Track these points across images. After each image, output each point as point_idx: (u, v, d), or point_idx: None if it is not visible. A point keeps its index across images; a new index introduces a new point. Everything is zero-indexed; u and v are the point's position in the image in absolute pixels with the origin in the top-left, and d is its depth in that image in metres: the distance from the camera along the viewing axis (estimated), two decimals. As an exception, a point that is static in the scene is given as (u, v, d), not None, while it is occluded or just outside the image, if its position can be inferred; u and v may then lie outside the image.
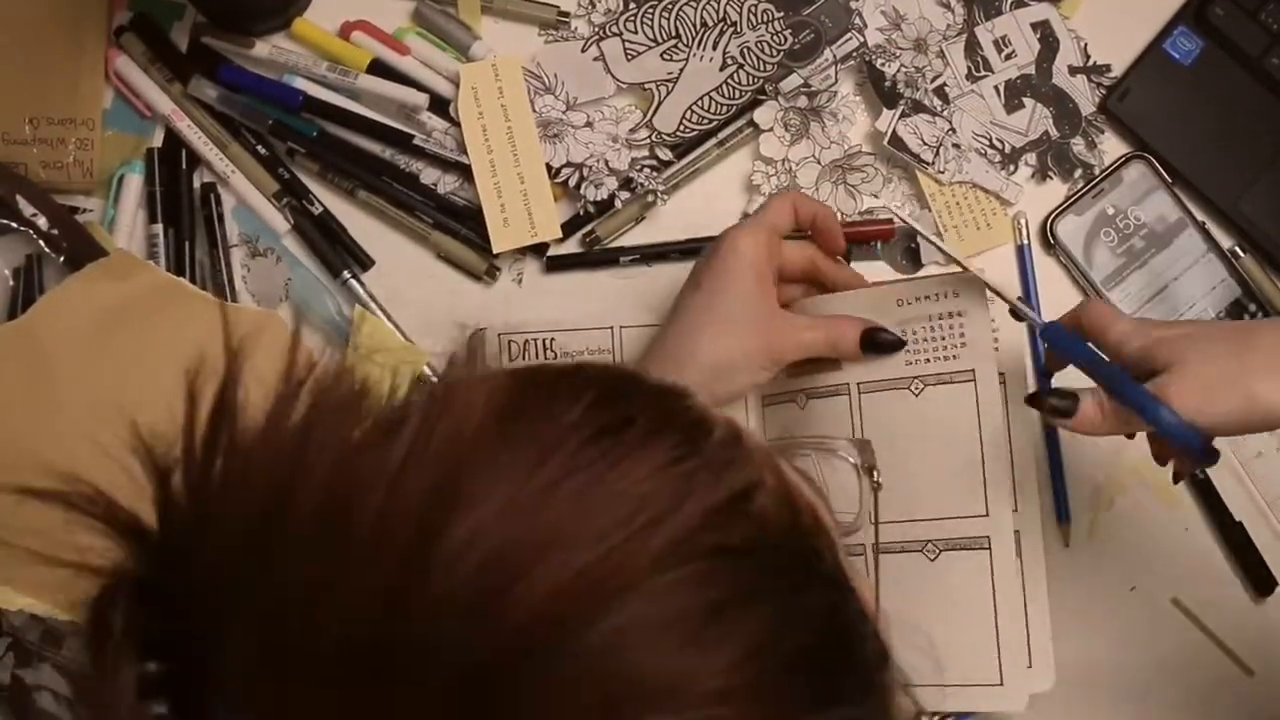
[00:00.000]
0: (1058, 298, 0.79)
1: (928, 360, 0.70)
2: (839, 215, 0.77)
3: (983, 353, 0.70)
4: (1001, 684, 0.69)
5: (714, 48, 0.77)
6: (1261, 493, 0.79)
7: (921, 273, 0.79)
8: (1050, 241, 0.79)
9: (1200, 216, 0.80)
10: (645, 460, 0.36)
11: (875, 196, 0.79)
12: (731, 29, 0.78)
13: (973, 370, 0.70)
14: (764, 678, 0.34)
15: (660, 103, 0.77)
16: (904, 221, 0.71)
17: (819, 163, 0.78)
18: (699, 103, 0.77)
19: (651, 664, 0.33)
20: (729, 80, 0.77)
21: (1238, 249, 0.79)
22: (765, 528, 0.38)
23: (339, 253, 0.77)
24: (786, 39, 0.78)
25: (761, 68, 0.78)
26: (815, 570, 0.39)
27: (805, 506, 0.40)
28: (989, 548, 0.69)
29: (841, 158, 0.78)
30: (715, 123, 0.77)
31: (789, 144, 0.78)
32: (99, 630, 0.33)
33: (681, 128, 0.77)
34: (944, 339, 0.70)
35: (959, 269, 0.69)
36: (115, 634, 0.32)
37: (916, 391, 0.71)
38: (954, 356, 0.70)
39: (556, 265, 0.78)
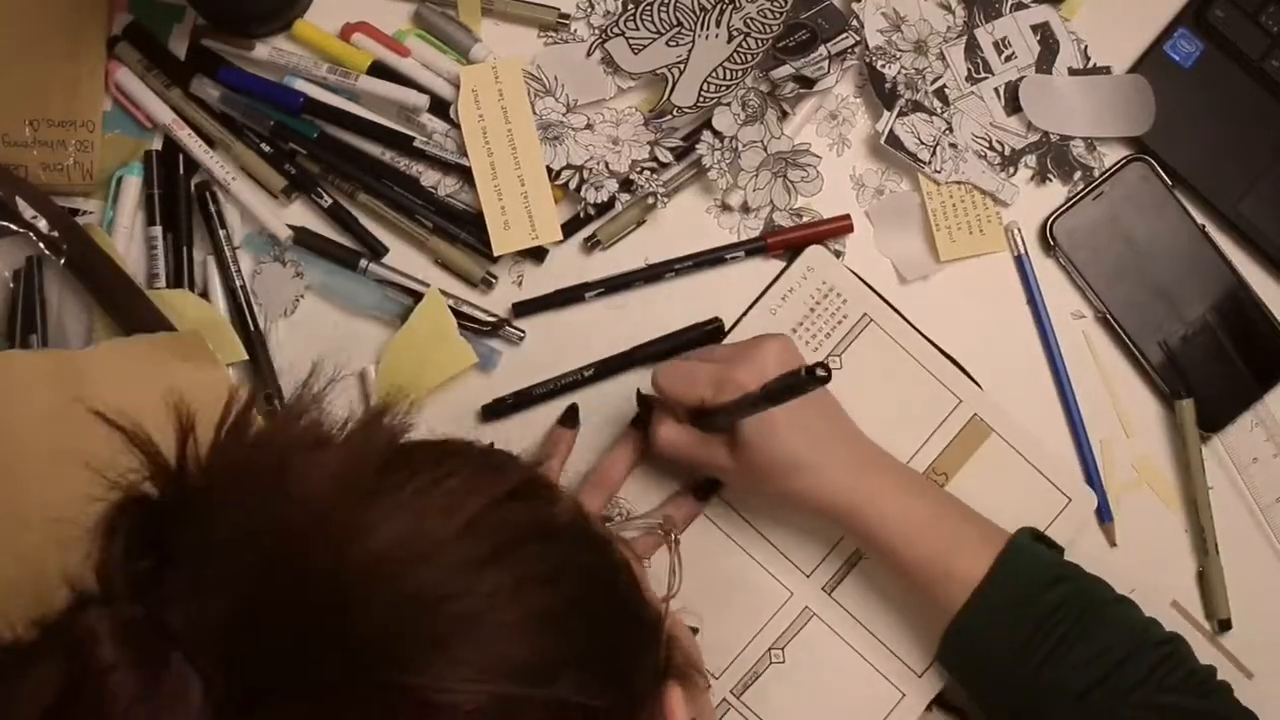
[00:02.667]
0: (1058, 299, 0.80)
1: (828, 335, 0.77)
2: (773, 208, 0.78)
3: (861, 295, 0.77)
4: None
5: (718, 25, 0.77)
6: (1256, 499, 0.79)
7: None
8: (1050, 243, 0.79)
9: (1200, 218, 0.80)
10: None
11: (808, 199, 0.79)
12: (731, 5, 0.78)
13: (865, 314, 0.77)
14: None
15: (675, 83, 0.77)
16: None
17: (765, 150, 0.78)
18: (713, 74, 0.77)
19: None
20: (738, 49, 0.77)
21: None
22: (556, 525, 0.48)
23: (351, 244, 0.77)
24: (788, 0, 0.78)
25: (768, 30, 0.77)
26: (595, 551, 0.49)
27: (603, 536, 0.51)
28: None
29: (788, 151, 0.78)
30: (734, 86, 0.77)
31: (741, 123, 0.78)
32: (109, 528, 0.43)
33: (700, 99, 0.77)
34: (826, 309, 0.77)
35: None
36: (121, 533, 0.42)
37: (837, 366, 0.76)
38: (844, 316, 0.77)
39: (524, 310, 0.77)
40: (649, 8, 0.78)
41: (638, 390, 0.75)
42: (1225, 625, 0.77)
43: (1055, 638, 0.64)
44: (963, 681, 0.71)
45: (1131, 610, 0.68)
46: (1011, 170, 0.79)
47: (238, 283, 0.76)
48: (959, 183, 0.79)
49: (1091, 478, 0.78)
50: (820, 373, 0.56)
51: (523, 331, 0.77)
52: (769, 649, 0.75)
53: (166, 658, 0.40)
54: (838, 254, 0.79)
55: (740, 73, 0.77)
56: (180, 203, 0.76)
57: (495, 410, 0.76)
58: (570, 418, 0.75)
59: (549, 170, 0.77)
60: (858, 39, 0.79)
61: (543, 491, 0.50)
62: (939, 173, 0.78)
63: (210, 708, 0.39)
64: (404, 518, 0.43)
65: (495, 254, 0.76)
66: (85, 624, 0.40)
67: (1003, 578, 0.66)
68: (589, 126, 0.77)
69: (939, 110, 0.79)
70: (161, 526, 0.43)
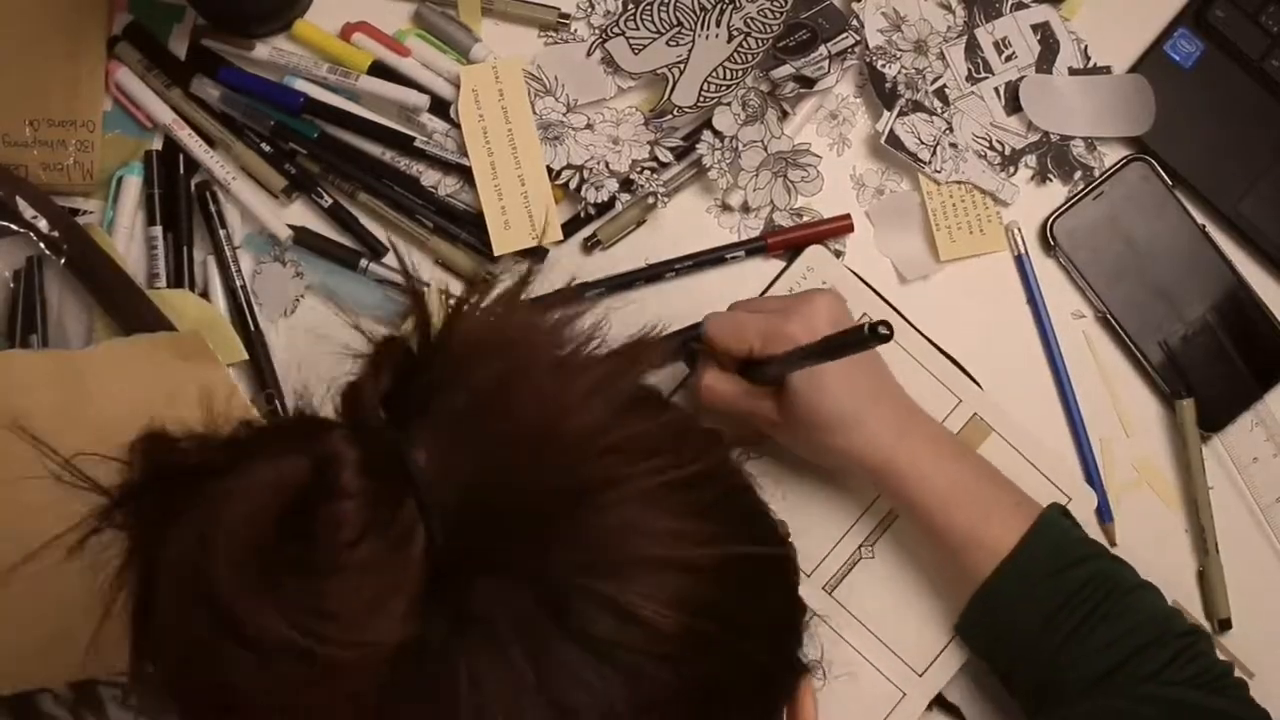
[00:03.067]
0: (1058, 299, 0.80)
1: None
2: (773, 208, 0.78)
3: (861, 295, 0.77)
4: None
5: (718, 25, 0.77)
6: (1256, 499, 0.79)
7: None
8: (1050, 243, 0.79)
9: (1200, 218, 0.80)
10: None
11: (808, 198, 0.79)
12: (732, 4, 0.78)
13: (865, 313, 0.77)
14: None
15: (675, 83, 0.77)
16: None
17: (765, 150, 0.78)
18: (714, 74, 0.77)
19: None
20: (739, 49, 0.77)
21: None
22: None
23: (350, 244, 0.77)
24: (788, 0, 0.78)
25: (768, 30, 0.77)
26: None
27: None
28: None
29: (788, 151, 0.78)
30: (734, 86, 0.77)
31: (741, 123, 0.78)
32: (373, 363, 0.43)
33: (701, 99, 0.77)
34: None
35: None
36: (385, 369, 0.43)
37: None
38: None
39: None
40: (649, 8, 0.78)
41: (684, 339, 0.75)
42: (1225, 625, 0.77)
43: (1081, 614, 0.65)
44: (983, 651, 0.71)
45: (1156, 597, 0.68)
46: (1011, 170, 0.79)
47: (238, 283, 0.76)
48: (959, 183, 0.79)
49: (1091, 477, 0.78)
50: (883, 330, 0.55)
51: (523, 331, 0.77)
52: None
53: (401, 502, 0.39)
54: (838, 254, 0.79)
55: (740, 72, 0.77)
56: (180, 203, 0.76)
57: None
58: None
59: (549, 170, 0.77)
60: (858, 39, 0.79)
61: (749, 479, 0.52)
62: (939, 173, 0.78)
63: (429, 565, 0.39)
64: (642, 445, 0.43)
65: (495, 254, 0.76)
66: (333, 444, 0.40)
67: (1033, 548, 0.66)
68: (589, 126, 0.77)
69: (939, 110, 0.79)
70: (418, 378, 0.43)
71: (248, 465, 0.40)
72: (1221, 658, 0.67)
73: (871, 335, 0.56)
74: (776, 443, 0.73)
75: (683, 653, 0.42)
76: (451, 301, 0.45)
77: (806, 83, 0.78)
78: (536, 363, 0.43)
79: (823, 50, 0.77)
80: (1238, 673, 0.66)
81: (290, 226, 0.76)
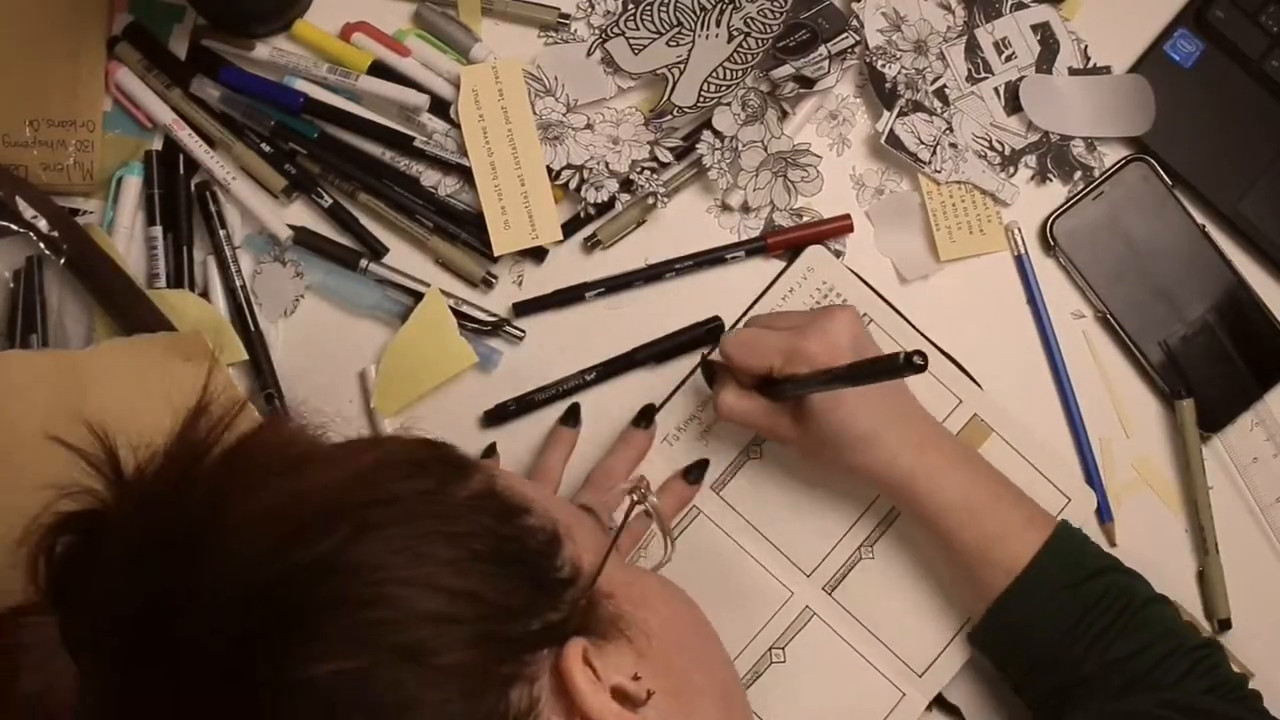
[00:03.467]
0: (1058, 299, 0.80)
1: None
2: (773, 208, 0.78)
3: (861, 295, 0.77)
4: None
5: (717, 25, 0.77)
6: (1256, 499, 0.79)
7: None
8: (1050, 243, 0.79)
9: (1200, 218, 0.80)
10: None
11: (808, 199, 0.79)
12: (731, 5, 0.78)
13: (865, 313, 0.76)
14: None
15: (675, 83, 0.77)
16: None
17: (765, 150, 0.78)
18: (714, 74, 0.77)
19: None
20: (739, 49, 0.77)
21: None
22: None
23: (350, 244, 0.77)
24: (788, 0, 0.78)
25: (768, 30, 0.77)
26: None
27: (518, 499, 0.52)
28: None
29: (788, 151, 0.78)
30: (734, 86, 0.77)
31: (741, 123, 0.78)
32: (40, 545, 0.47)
33: (701, 99, 0.77)
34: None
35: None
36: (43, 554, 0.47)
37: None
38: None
39: (525, 310, 0.77)
40: (649, 8, 0.78)
41: (703, 355, 0.75)
42: (1225, 625, 0.77)
43: (1098, 628, 0.66)
44: (998, 662, 0.72)
45: (1170, 610, 0.69)
46: (1011, 170, 0.79)
47: (238, 283, 0.76)
48: (959, 183, 0.79)
49: (1091, 478, 0.78)
50: (917, 361, 0.55)
51: (523, 332, 0.77)
52: (769, 649, 0.75)
53: (59, 666, 0.45)
54: (838, 254, 0.79)
55: (740, 73, 0.77)
56: (180, 203, 0.76)
57: (497, 415, 0.76)
58: (571, 417, 0.75)
59: (549, 170, 0.77)
60: (858, 39, 0.79)
61: (430, 469, 0.51)
62: (939, 173, 0.78)
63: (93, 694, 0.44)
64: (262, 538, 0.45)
65: (495, 254, 0.76)
66: (3, 628, 0.46)
67: (1048, 563, 0.67)
68: (589, 126, 0.77)
69: (939, 110, 0.79)
70: (88, 542, 0.47)
71: None
72: (1236, 669, 0.68)
73: (906, 365, 0.56)
74: (777, 444, 0.73)
75: (363, 691, 0.43)
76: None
77: (806, 83, 0.78)
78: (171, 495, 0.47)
79: (823, 50, 0.77)
80: (1253, 684, 0.67)
81: (290, 226, 0.76)
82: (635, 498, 0.63)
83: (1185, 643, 0.66)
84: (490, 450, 0.75)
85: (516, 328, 0.77)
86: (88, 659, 0.44)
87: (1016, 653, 0.69)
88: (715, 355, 0.73)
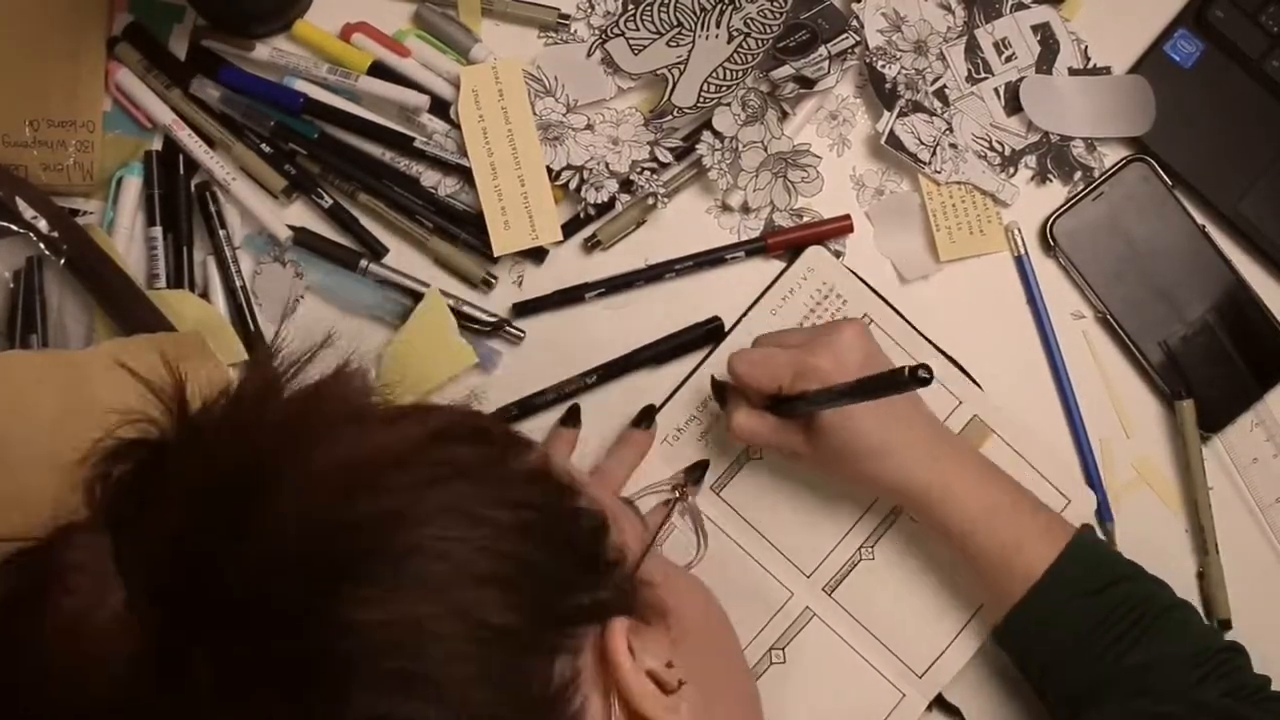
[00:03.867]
0: (1058, 299, 0.80)
1: None
2: (773, 208, 0.79)
3: (862, 296, 0.77)
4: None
5: (717, 26, 0.77)
6: (1256, 499, 0.79)
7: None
8: (1050, 244, 0.79)
9: (1200, 218, 0.80)
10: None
11: (808, 199, 0.79)
12: (731, 5, 0.78)
13: (866, 314, 0.77)
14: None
15: (675, 84, 0.77)
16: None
17: (765, 150, 0.78)
18: (714, 74, 0.77)
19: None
20: (738, 50, 0.77)
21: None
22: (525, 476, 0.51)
23: (350, 245, 0.77)
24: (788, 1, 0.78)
25: (768, 30, 0.77)
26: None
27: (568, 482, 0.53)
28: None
29: (788, 152, 0.78)
30: (734, 87, 0.77)
31: (741, 124, 0.78)
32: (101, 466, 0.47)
33: (700, 99, 0.77)
34: (826, 309, 0.77)
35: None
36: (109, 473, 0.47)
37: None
38: (844, 317, 0.77)
39: (525, 310, 0.77)
40: (649, 8, 0.78)
41: (712, 376, 0.75)
42: (1225, 625, 0.77)
43: (1115, 633, 0.66)
44: (1016, 663, 0.72)
45: (1192, 615, 0.69)
46: (1011, 170, 0.79)
47: (238, 283, 0.76)
48: (959, 183, 0.79)
49: (1091, 478, 0.78)
50: (923, 374, 0.55)
51: (523, 332, 0.77)
52: (769, 649, 0.75)
53: (108, 587, 0.44)
54: (838, 254, 0.79)
55: (740, 73, 0.77)
56: (180, 203, 0.76)
57: (500, 419, 0.76)
58: (571, 417, 0.75)
59: (549, 170, 0.77)
60: (858, 39, 0.79)
61: (495, 438, 0.52)
62: (939, 173, 0.78)
63: (148, 636, 0.43)
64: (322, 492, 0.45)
65: (495, 254, 0.76)
66: (53, 543, 0.45)
67: (1066, 569, 0.67)
68: (589, 127, 0.77)
69: (939, 110, 0.79)
70: (147, 472, 0.47)
71: None
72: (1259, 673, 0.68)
73: (911, 379, 0.56)
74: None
75: (421, 642, 0.44)
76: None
77: (806, 83, 0.78)
78: (232, 432, 0.47)
79: (823, 51, 0.77)
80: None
81: (290, 227, 0.76)
82: (678, 494, 0.66)
83: (1209, 646, 0.66)
84: (573, 413, 0.75)
85: (516, 328, 0.77)
86: (139, 582, 0.44)
87: (1035, 657, 0.69)
88: (724, 375, 0.73)
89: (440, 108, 0.77)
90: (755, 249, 0.78)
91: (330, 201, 0.77)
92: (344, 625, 0.43)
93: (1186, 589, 0.77)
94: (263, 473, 0.45)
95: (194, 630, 0.43)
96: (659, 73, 0.77)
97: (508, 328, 0.76)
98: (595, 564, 0.51)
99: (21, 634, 0.44)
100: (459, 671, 0.44)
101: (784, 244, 0.78)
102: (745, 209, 0.79)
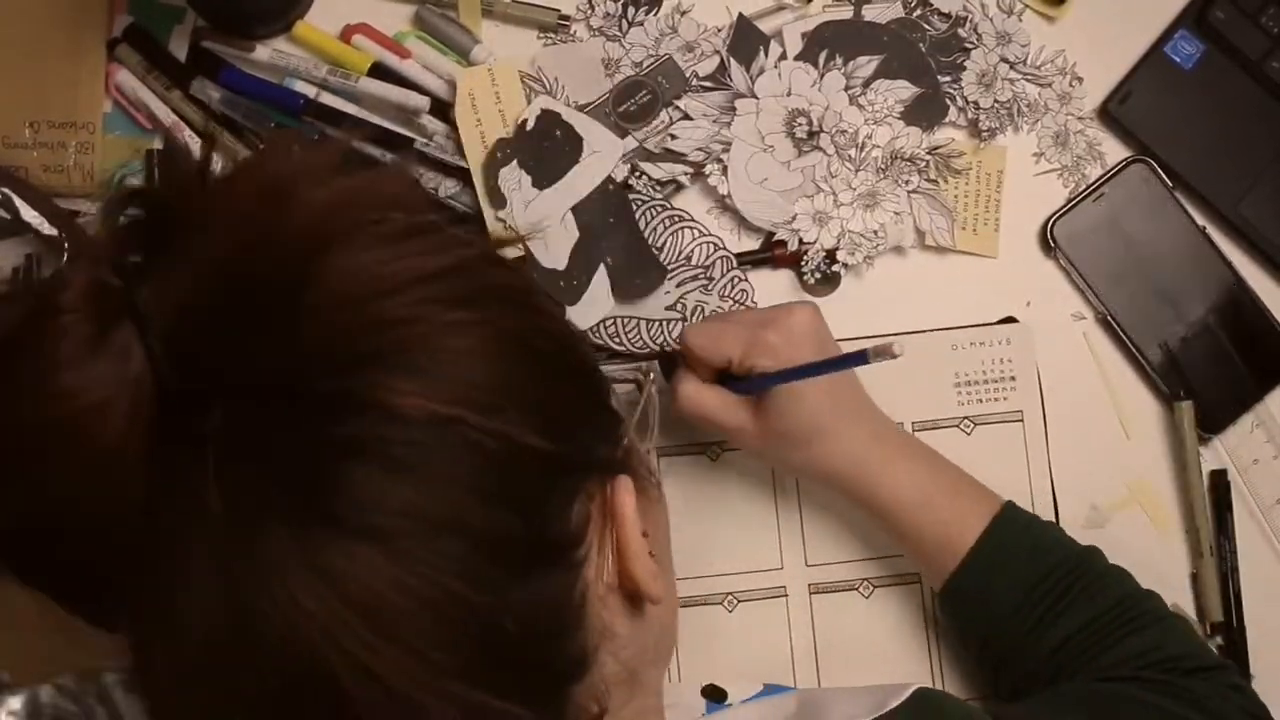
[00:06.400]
0: (1058, 300, 0.80)
1: (979, 400, 0.76)
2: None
3: (1030, 395, 0.77)
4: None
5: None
6: (1256, 501, 0.79)
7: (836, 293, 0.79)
8: (1050, 244, 0.79)
9: (1201, 220, 0.79)
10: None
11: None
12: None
13: (1021, 411, 0.77)
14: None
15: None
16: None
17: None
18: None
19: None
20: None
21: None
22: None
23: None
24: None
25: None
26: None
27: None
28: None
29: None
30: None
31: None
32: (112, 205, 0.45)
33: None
34: (995, 381, 0.77)
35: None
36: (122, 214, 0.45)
37: (967, 431, 0.76)
38: (1003, 398, 0.76)
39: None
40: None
41: (660, 347, 0.75)
42: (1217, 628, 0.77)
43: (1048, 602, 0.66)
44: (962, 640, 0.73)
45: (1127, 581, 0.69)
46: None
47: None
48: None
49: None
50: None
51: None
52: (727, 594, 0.75)
53: (119, 322, 0.41)
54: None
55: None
56: (181, 204, 0.76)
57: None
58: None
59: (549, 171, 0.77)
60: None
61: (516, 266, 0.53)
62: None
63: (155, 385, 0.41)
64: (375, 251, 0.44)
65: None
66: (61, 274, 0.42)
67: (992, 541, 0.68)
68: (588, 128, 0.77)
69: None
70: (164, 223, 0.44)
71: None
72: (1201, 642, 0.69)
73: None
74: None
75: (447, 440, 0.43)
76: None
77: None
78: (264, 204, 0.44)
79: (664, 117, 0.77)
80: (1254, 686, 0.68)
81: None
82: (650, 378, 0.66)
83: (1140, 608, 0.67)
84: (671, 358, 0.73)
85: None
86: (156, 331, 0.42)
87: (970, 627, 0.70)
88: (673, 348, 0.72)
89: (441, 109, 0.77)
90: (761, 259, 0.78)
91: (330, 202, 0.77)
92: (387, 410, 0.42)
93: (1182, 590, 0.77)
94: (302, 258, 0.43)
95: (211, 382, 0.42)
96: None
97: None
98: (604, 409, 0.52)
99: (22, 371, 0.42)
100: (486, 484, 0.43)
101: (789, 258, 0.78)
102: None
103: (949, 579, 0.68)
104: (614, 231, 0.76)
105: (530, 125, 0.76)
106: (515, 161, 0.76)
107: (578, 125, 0.76)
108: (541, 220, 0.75)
